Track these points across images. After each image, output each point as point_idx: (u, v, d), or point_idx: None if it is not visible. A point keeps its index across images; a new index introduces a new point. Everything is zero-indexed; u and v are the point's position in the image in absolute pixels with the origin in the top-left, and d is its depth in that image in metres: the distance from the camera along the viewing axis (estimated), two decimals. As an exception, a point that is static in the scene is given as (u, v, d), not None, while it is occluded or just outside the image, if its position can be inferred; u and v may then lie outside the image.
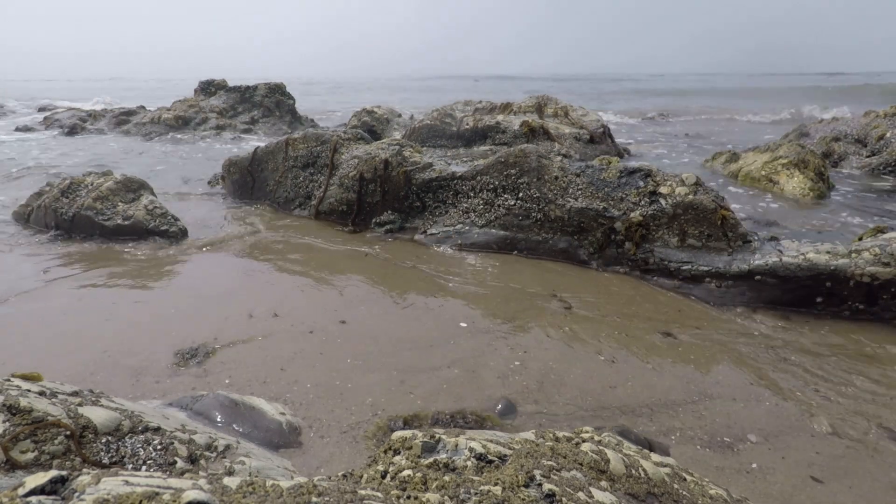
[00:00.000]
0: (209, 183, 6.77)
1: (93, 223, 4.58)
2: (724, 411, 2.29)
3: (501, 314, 3.17)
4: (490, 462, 1.17)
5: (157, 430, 1.53)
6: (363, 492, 1.03)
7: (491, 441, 1.26)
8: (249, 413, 2.02)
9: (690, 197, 3.82)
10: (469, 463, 1.15)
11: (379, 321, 3.06)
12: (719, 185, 6.38)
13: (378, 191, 4.88)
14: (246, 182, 6.03)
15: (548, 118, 8.19)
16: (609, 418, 2.24)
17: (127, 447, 1.43)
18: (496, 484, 1.07)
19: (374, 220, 4.87)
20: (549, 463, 1.21)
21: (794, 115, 15.76)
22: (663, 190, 3.93)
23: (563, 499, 1.06)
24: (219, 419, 1.94)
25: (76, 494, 0.89)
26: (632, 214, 3.91)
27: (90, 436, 1.40)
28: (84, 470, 1.09)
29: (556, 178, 4.25)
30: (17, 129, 12.97)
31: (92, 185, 4.84)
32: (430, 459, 1.17)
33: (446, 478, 1.09)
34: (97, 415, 1.46)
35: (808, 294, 3.32)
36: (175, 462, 1.45)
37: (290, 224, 5.07)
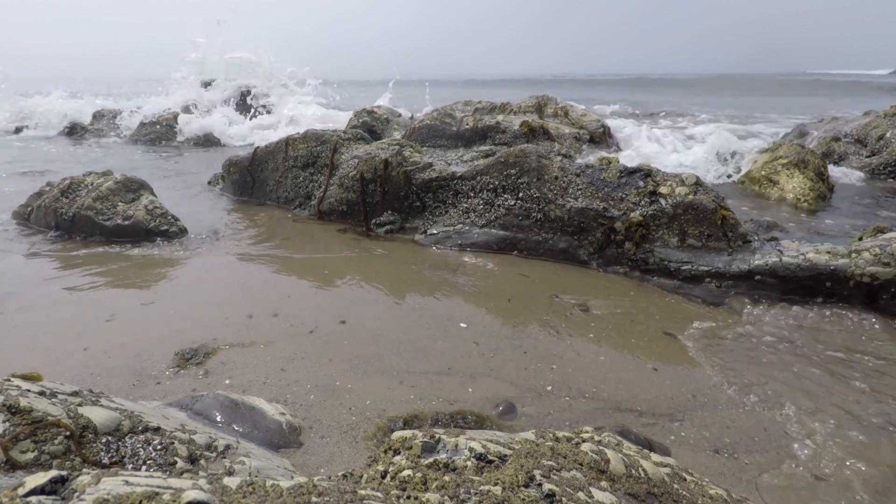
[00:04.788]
0: (209, 183, 6.77)
1: (93, 223, 4.58)
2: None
3: (502, 314, 3.17)
4: (490, 462, 1.17)
5: (157, 430, 1.53)
6: (363, 492, 1.03)
7: (491, 441, 1.26)
8: (249, 413, 2.02)
9: (690, 197, 3.82)
10: (469, 463, 1.15)
11: (379, 321, 3.06)
12: (718, 186, 6.38)
13: (378, 191, 4.88)
14: (246, 182, 6.03)
15: (548, 118, 8.19)
16: (611, 418, 2.24)
17: (127, 447, 1.43)
18: (496, 484, 1.07)
19: (374, 221, 4.87)
20: (549, 463, 1.21)
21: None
22: (663, 190, 3.93)
23: (563, 499, 1.06)
24: (219, 419, 1.94)
25: (76, 494, 0.89)
26: (632, 214, 3.91)
27: (90, 436, 1.40)
28: (84, 470, 1.09)
29: (556, 178, 4.25)
30: (17, 129, 12.96)
31: (92, 184, 4.84)
32: (430, 459, 1.17)
33: (446, 478, 1.09)
34: (97, 415, 1.46)
35: (807, 294, 3.32)
36: (175, 462, 1.45)
37: (290, 224, 5.06)
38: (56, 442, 1.32)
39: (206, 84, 14.04)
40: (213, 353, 2.66)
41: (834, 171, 6.77)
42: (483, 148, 7.08)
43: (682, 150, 7.63)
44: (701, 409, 2.29)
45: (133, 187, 4.87)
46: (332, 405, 2.26)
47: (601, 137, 8.05)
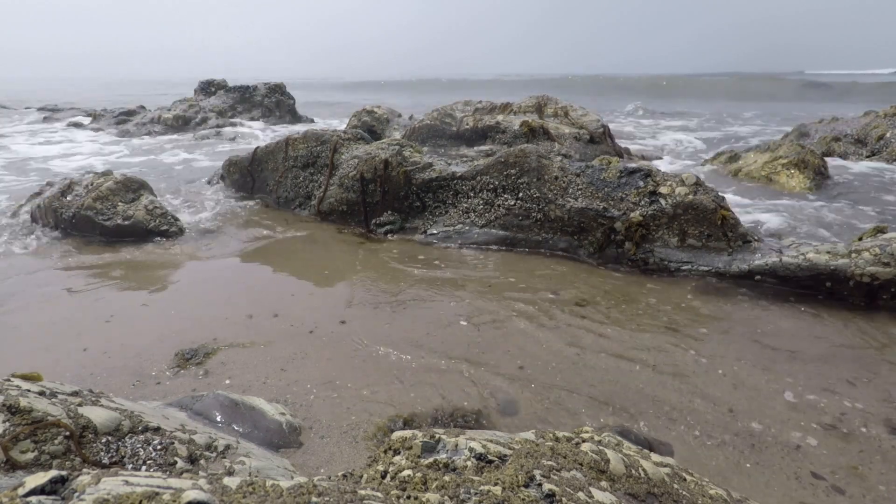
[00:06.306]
0: (209, 182, 6.76)
1: (93, 223, 4.58)
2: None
3: (502, 313, 3.17)
4: (490, 462, 1.17)
5: (157, 430, 1.53)
6: (363, 492, 1.03)
7: (491, 441, 1.26)
8: (249, 413, 2.02)
9: (690, 197, 3.82)
10: (469, 463, 1.15)
11: (379, 321, 3.06)
12: (719, 186, 6.37)
13: (378, 191, 4.88)
14: (246, 182, 6.03)
15: (548, 118, 8.19)
16: (612, 416, 2.24)
17: (127, 447, 1.43)
18: (496, 484, 1.07)
19: (374, 221, 4.87)
20: (549, 463, 1.21)
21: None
22: (663, 190, 3.93)
23: (563, 499, 1.06)
24: (219, 419, 1.94)
25: (76, 494, 0.89)
26: (632, 214, 3.91)
27: (90, 436, 1.40)
28: (84, 470, 1.09)
29: (556, 178, 4.25)
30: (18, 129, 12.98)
31: (92, 184, 4.84)
32: (430, 459, 1.17)
33: (446, 478, 1.09)
34: (97, 415, 1.46)
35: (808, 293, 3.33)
36: (175, 462, 1.45)
37: (290, 224, 5.06)
38: (56, 442, 1.32)
39: (206, 85, 14.01)
40: (213, 353, 2.66)
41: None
42: (483, 148, 7.08)
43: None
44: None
45: (133, 187, 4.87)
46: (332, 405, 2.26)
47: (601, 137, 8.05)
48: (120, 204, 4.68)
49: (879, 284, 3.16)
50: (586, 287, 3.59)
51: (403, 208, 4.81)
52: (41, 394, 1.47)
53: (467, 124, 7.68)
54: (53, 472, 0.93)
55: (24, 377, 1.57)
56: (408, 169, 4.77)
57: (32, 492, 0.90)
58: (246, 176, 6.02)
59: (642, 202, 3.93)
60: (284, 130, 12.21)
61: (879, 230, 3.62)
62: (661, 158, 8.84)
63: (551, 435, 1.41)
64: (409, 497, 1.03)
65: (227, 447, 1.62)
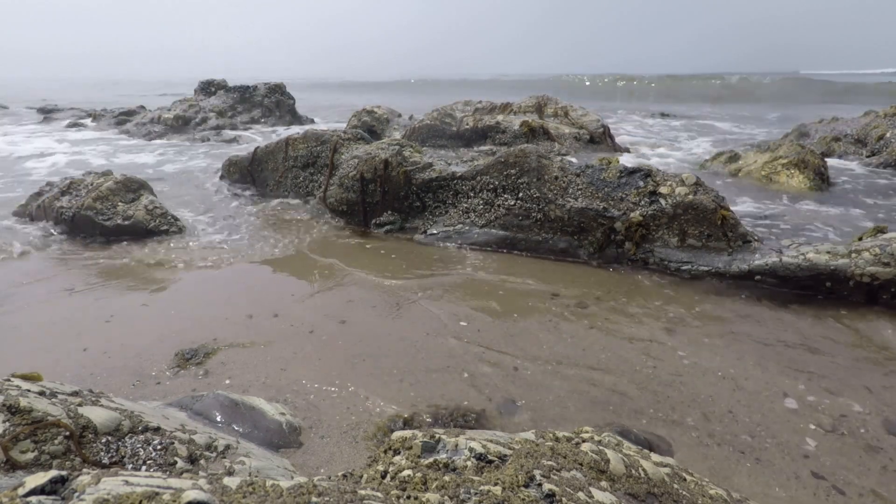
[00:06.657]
0: (209, 182, 6.76)
1: (93, 223, 4.58)
2: (724, 411, 2.29)
3: (502, 313, 3.17)
4: (490, 462, 1.17)
5: (157, 430, 1.53)
6: (363, 492, 1.03)
7: (491, 441, 1.26)
8: (249, 413, 2.02)
9: (690, 197, 3.82)
10: (469, 463, 1.15)
11: (379, 321, 3.06)
12: (719, 186, 6.37)
13: (378, 191, 4.88)
14: (246, 182, 6.04)
15: (548, 118, 8.20)
16: (612, 416, 2.24)
17: (127, 447, 1.43)
18: (496, 484, 1.08)
19: (374, 220, 4.87)
20: (549, 463, 1.21)
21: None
22: (663, 190, 3.93)
23: (563, 499, 1.06)
24: (219, 419, 1.94)
25: (76, 494, 0.89)
26: (632, 214, 3.91)
27: (90, 436, 1.40)
28: (84, 470, 1.09)
29: (556, 178, 4.25)
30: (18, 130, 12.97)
31: (92, 184, 4.84)
32: (430, 459, 1.17)
33: (446, 478, 1.09)
34: (97, 415, 1.46)
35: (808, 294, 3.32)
36: (175, 462, 1.45)
37: (290, 225, 5.06)
38: (56, 442, 1.32)
39: (206, 85, 14.01)
40: (214, 353, 2.66)
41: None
42: (483, 148, 7.09)
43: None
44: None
45: (133, 187, 4.87)
46: (332, 405, 2.26)
47: (601, 137, 8.06)
48: (120, 204, 4.68)
49: (879, 284, 3.16)
50: (586, 287, 3.59)
51: (403, 208, 4.81)
52: (41, 394, 1.47)
53: (467, 124, 7.68)
54: (53, 472, 0.94)
55: (24, 377, 1.57)
56: (408, 169, 4.77)
57: (32, 492, 0.90)
58: (246, 176, 6.03)
59: (642, 202, 3.93)
60: (285, 131, 12.22)
61: (879, 230, 3.62)
62: (660, 158, 8.83)
63: (551, 435, 1.41)
64: (409, 497, 1.03)
65: (227, 447, 1.62)
